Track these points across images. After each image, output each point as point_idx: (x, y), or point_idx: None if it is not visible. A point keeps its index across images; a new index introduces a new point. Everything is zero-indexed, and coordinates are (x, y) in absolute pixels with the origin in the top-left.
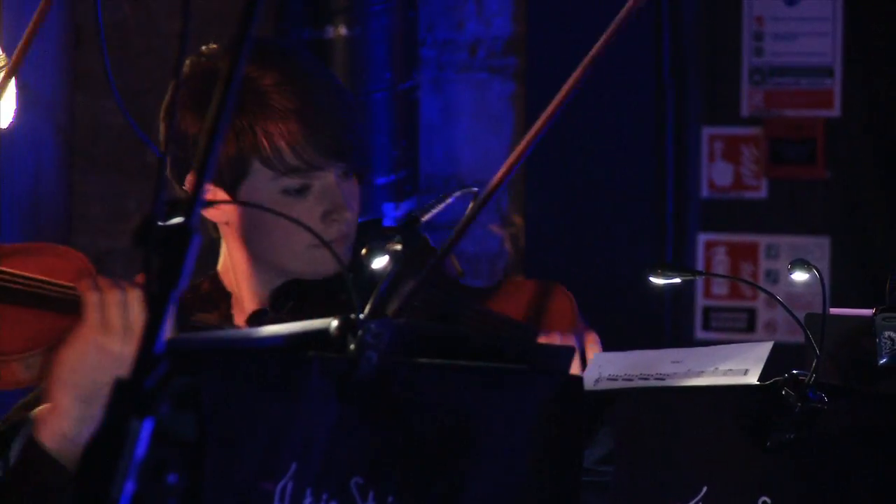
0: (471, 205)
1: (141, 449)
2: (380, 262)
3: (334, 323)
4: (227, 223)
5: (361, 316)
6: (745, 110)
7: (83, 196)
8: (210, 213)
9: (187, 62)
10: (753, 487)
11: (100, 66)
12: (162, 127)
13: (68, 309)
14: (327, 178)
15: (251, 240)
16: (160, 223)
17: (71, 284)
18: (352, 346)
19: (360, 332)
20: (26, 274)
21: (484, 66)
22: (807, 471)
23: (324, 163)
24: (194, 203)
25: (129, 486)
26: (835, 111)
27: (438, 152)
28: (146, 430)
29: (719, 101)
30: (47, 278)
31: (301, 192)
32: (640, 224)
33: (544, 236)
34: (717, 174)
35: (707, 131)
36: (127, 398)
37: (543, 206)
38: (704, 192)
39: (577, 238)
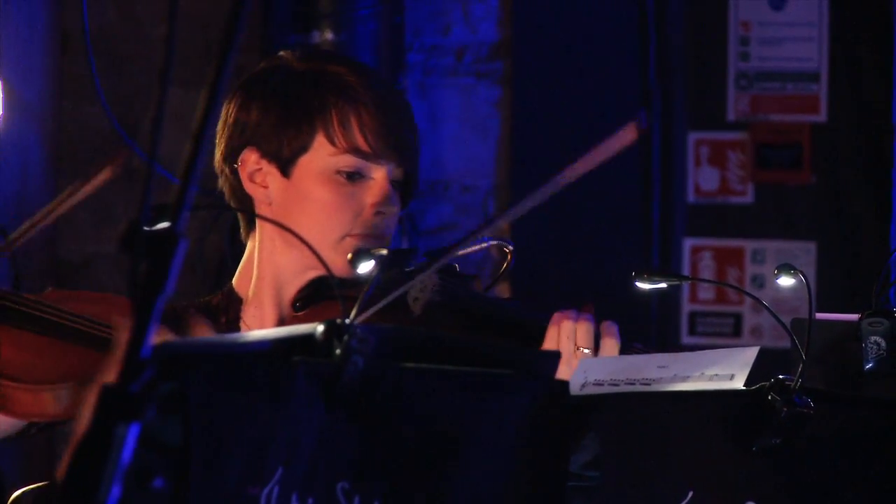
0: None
1: (127, 454)
2: (366, 267)
3: (320, 328)
4: (269, 203)
5: (347, 321)
6: (731, 115)
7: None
8: (254, 191)
9: (260, 64)
10: (739, 492)
11: (86, 71)
12: (222, 131)
13: (105, 347)
14: (381, 171)
15: (291, 220)
16: (146, 228)
17: (103, 323)
18: (338, 351)
19: (346, 337)
20: (68, 309)
21: (470, 71)
22: (793, 475)
23: (383, 152)
24: (180, 208)
25: (116, 491)
26: (821, 116)
27: (424, 157)
28: (132, 434)
29: (705, 106)
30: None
31: (353, 177)
32: (627, 229)
33: (531, 241)
34: (703, 179)
35: (693, 136)
36: (113, 403)
37: (530, 210)
38: (690, 196)
39: (564, 243)
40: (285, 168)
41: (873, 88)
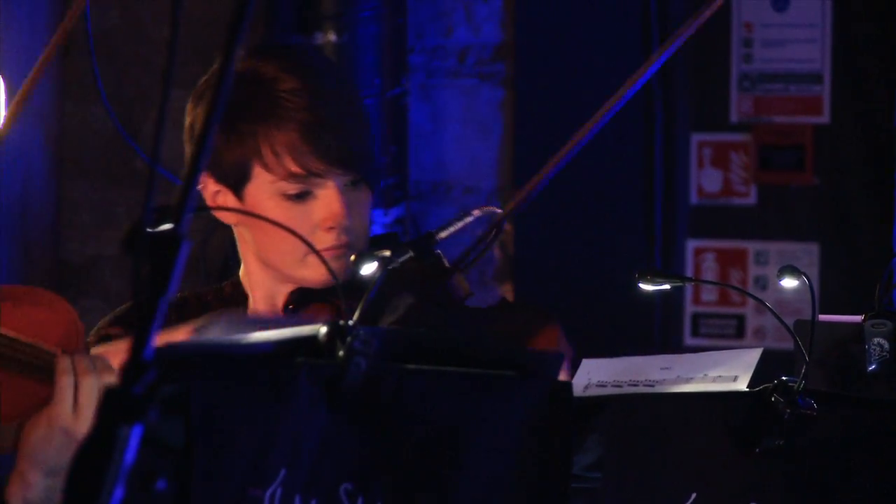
0: (492, 229)
1: (130, 456)
2: (368, 269)
3: (323, 329)
4: (236, 225)
5: (350, 322)
6: (734, 116)
7: (72, 203)
8: (222, 216)
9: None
10: (743, 493)
11: (89, 73)
12: (186, 146)
13: (48, 378)
14: (328, 186)
15: (257, 244)
16: (149, 230)
17: (54, 354)
18: (341, 353)
19: (348, 339)
20: (11, 334)
21: (473, 72)
22: (796, 477)
23: (324, 170)
24: (183, 210)
25: (118, 493)
26: (824, 118)
27: (427, 158)
28: (135, 436)
29: (708, 108)
30: (32, 339)
31: (300, 197)
32: (629, 230)
33: (534, 242)
34: (705, 180)
35: (696, 138)
36: (116, 405)
37: (532, 211)
38: (693, 198)
39: (567, 244)
40: (237, 193)
41: (876, 90)
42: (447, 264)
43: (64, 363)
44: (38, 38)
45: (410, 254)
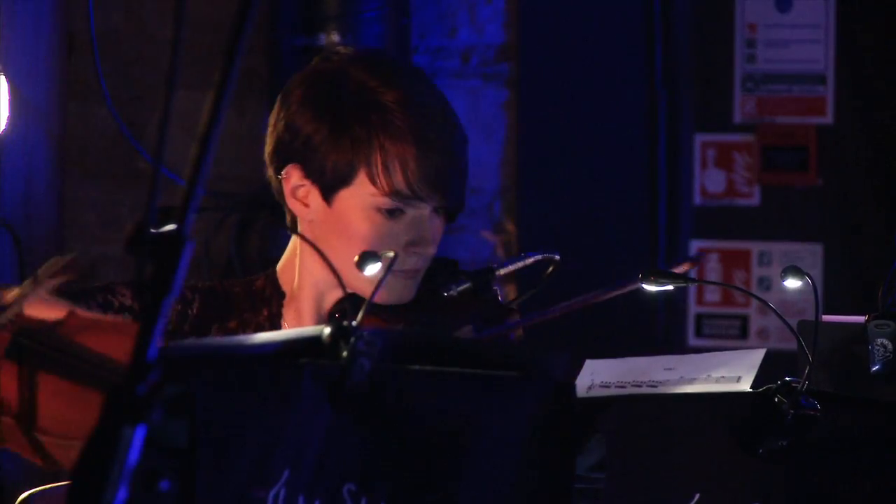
0: (549, 270)
1: (133, 456)
2: (371, 269)
3: (327, 330)
4: (310, 221)
5: (353, 323)
6: (737, 117)
7: (76, 203)
8: (295, 206)
9: (313, 60)
10: (746, 494)
11: (92, 73)
12: (276, 129)
13: None
14: (422, 209)
15: (329, 246)
16: (153, 230)
17: None
18: (344, 354)
19: (352, 340)
20: (90, 346)
21: (476, 73)
22: (799, 478)
23: (426, 193)
24: (186, 210)
25: (122, 493)
26: (827, 118)
27: None
28: (138, 437)
29: (712, 108)
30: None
31: (393, 213)
32: (633, 231)
33: (537, 243)
34: (709, 181)
35: (699, 138)
36: (119, 405)
37: (536, 212)
38: (697, 199)
39: (570, 244)
40: (327, 194)
41: (880, 90)
42: (501, 300)
43: None
44: (42, 37)
45: (469, 285)
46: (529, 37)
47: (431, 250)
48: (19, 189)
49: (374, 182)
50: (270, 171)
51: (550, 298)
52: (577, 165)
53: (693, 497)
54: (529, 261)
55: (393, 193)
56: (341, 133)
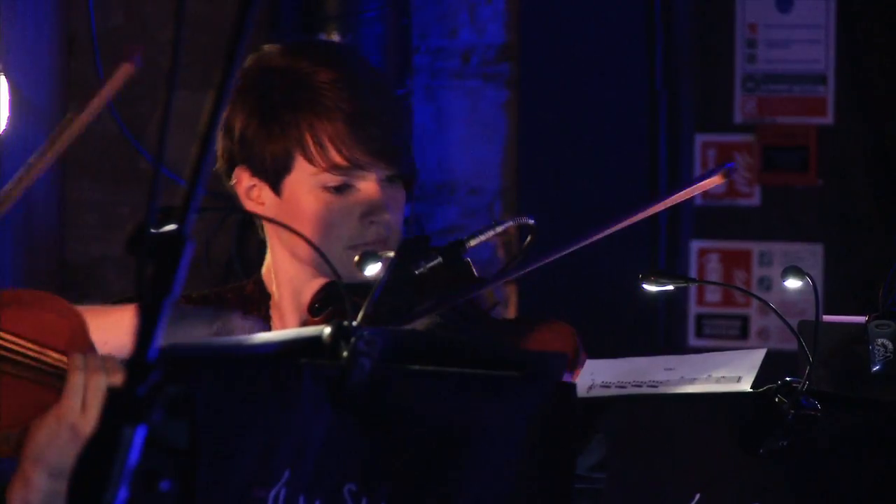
0: (528, 240)
1: (134, 456)
2: (372, 269)
3: (327, 330)
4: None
5: (354, 323)
6: (737, 117)
7: (76, 204)
8: (253, 208)
9: (248, 56)
10: (746, 494)
11: (92, 73)
12: (219, 136)
13: (55, 383)
14: (368, 180)
15: (294, 238)
16: (153, 230)
17: (62, 358)
18: (344, 354)
19: (353, 340)
20: (20, 339)
21: (477, 73)
22: (800, 478)
23: (366, 162)
24: (187, 210)
25: (122, 494)
26: (828, 118)
27: (431, 159)
28: (139, 437)
29: (712, 109)
30: (40, 342)
31: (341, 190)
32: (634, 231)
33: (538, 243)
34: None
35: (700, 138)
36: (120, 406)
37: (536, 212)
38: (697, 199)
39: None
40: (275, 186)
41: (880, 91)
42: (475, 273)
43: (77, 361)
44: (42, 37)
45: (440, 260)
46: (529, 37)
47: (387, 217)
48: None
49: (311, 162)
50: (226, 181)
51: (550, 298)
52: (578, 165)
53: (693, 497)
54: (500, 228)
55: (332, 168)
56: (270, 122)
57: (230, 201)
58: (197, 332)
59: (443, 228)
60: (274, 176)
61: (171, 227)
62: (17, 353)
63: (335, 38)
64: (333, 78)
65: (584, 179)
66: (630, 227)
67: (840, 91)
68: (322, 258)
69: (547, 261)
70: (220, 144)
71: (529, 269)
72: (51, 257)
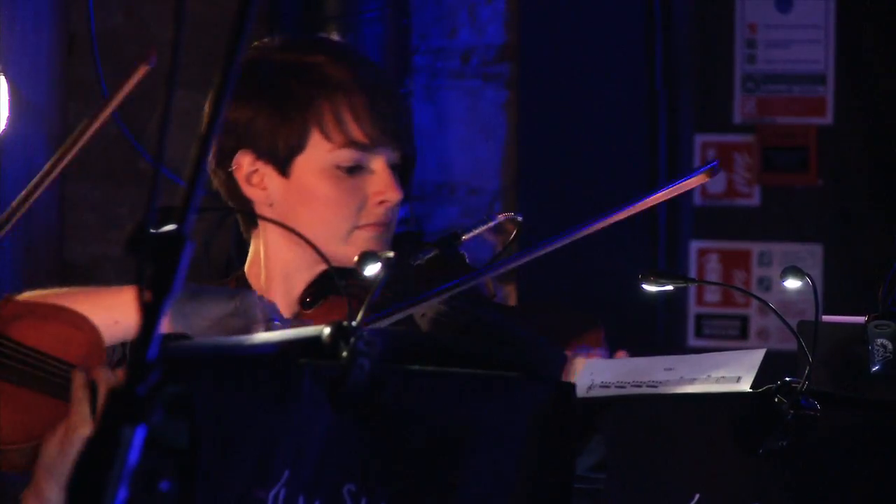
0: (513, 234)
1: (133, 456)
2: (372, 269)
3: (326, 330)
4: (270, 205)
5: (354, 323)
6: (737, 118)
7: (75, 204)
8: (253, 193)
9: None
10: (746, 494)
11: (93, 73)
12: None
13: (67, 396)
14: (380, 161)
15: (296, 218)
16: (153, 230)
17: (72, 364)
18: (344, 354)
19: (352, 340)
20: (39, 349)
21: (477, 73)
22: (799, 478)
23: (382, 140)
24: (186, 210)
25: (122, 494)
26: (827, 119)
27: (431, 159)
28: (139, 437)
29: (712, 109)
30: (55, 355)
31: (352, 171)
32: (633, 231)
33: (537, 242)
34: (709, 181)
35: (700, 139)
36: (120, 406)
37: (536, 212)
38: (697, 199)
39: (570, 244)
40: (283, 168)
41: (880, 91)
42: (469, 265)
43: (79, 378)
44: (42, 37)
45: (435, 252)
46: (529, 37)
47: (396, 197)
48: (19, 190)
49: (329, 138)
50: (219, 173)
51: (550, 297)
52: (577, 165)
53: (693, 497)
54: (492, 223)
55: (350, 143)
56: (283, 103)
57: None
58: (215, 311)
59: (442, 228)
60: (285, 156)
61: (171, 227)
62: (34, 365)
63: (335, 38)
64: (332, 58)
65: (584, 179)
66: (630, 227)
67: (840, 91)
68: (316, 252)
69: (534, 255)
70: (219, 139)
71: (521, 261)
72: (51, 257)
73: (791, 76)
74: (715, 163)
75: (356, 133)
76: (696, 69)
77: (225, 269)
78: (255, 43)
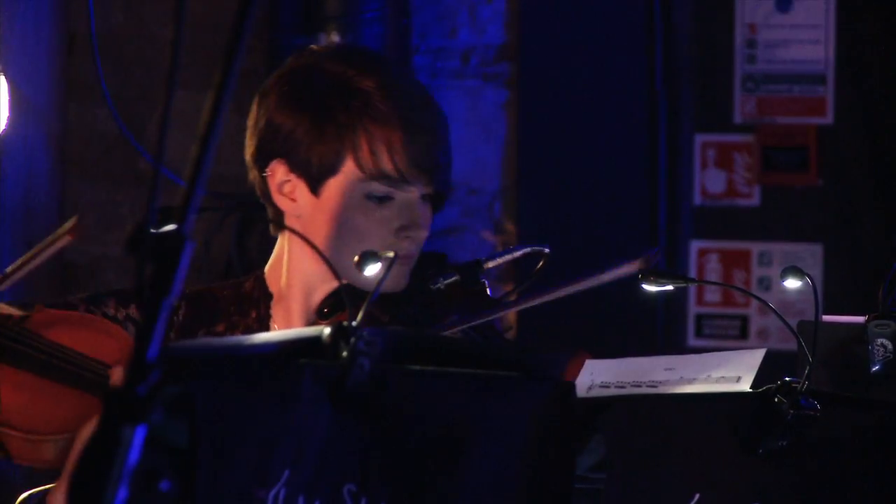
0: (540, 264)
1: (134, 456)
2: (372, 270)
3: (327, 330)
4: (298, 216)
5: (354, 323)
6: (737, 117)
7: (76, 204)
8: (283, 203)
9: (289, 58)
10: (746, 494)
11: (93, 73)
12: (257, 127)
13: (99, 391)
14: (411, 194)
15: (319, 237)
16: (153, 230)
17: (109, 363)
18: (344, 354)
19: (352, 340)
20: (73, 348)
21: (477, 73)
22: (799, 478)
23: (414, 176)
24: (187, 210)
25: (122, 493)
26: (827, 118)
27: None
28: (139, 437)
29: (712, 109)
30: (90, 356)
31: (383, 200)
32: (633, 231)
33: (537, 242)
34: (709, 181)
35: (700, 138)
36: (120, 405)
37: (536, 212)
38: (697, 199)
39: (570, 244)
40: (314, 186)
41: (880, 90)
42: (489, 296)
43: (118, 374)
44: (42, 37)
45: (457, 278)
46: (529, 37)
47: (423, 234)
48: (20, 190)
49: (361, 167)
50: (254, 172)
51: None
52: (577, 165)
53: (693, 497)
54: (518, 253)
55: (381, 177)
56: (324, 122)
57: (230, 201)
58: None
59: (443, 229)
60: (317, 175)
61: (170, 227)
62: (70, 362)
63: (335, 38)
64: (378, 85)
65: (584, 179)
66: (630, 227)
67: (840, 91)
68: (331, 270)
69: (559, 294)
70: (255, 135)
71: (543, 299)
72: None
73: (791, 76)
74: (654, 250)
75: (389, 168)
76: (696, 69)
77: (224, 269)
78: (313, 46)
